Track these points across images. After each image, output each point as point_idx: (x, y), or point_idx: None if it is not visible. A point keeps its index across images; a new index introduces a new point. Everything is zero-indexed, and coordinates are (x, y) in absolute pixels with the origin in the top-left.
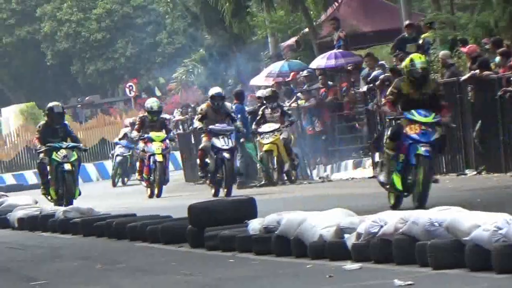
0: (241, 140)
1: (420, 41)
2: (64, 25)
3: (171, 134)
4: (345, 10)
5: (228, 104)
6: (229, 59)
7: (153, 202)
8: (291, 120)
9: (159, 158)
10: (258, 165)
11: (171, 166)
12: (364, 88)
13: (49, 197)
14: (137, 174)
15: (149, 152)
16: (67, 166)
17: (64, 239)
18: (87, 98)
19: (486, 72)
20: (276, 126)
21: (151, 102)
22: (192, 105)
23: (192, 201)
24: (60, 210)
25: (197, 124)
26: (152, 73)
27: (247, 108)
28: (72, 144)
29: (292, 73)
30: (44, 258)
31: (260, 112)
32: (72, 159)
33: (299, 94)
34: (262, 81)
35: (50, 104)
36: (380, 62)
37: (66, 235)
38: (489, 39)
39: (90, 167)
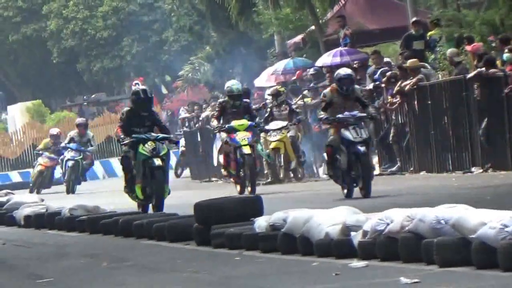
0: None
1: (427, 39)
2: (70, 23)
3: (257, 119)
4: (351, 8)
5: (357, 87)
6: (235, 56)
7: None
8: (298, 118)
9: (246, 150)
10: (265, 162)
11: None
12: (370, 85)
13: (133, 196)
14: (222, 169)
15: (233, 144)
16: (157, 161)
17: (70, 237)
18: (93, 95)
19: (492, 70)
20: (283, 123)
21: (231, 84)
22: (200, 103)
23: (199, 198)
24: (66, 208)
25: (321, 114)
26: (159, 71)
27: (253, 106)
28: (161, 135)
29: (298, 71)
30: (50, 256)
31: (268, 109)
32: (162, 152)
33: (305, 92)
34: (264, 81)
35: (136, 88)
36: (386, 60)
37: (72, 233)
38: (495, 36)
39: (96, 165)
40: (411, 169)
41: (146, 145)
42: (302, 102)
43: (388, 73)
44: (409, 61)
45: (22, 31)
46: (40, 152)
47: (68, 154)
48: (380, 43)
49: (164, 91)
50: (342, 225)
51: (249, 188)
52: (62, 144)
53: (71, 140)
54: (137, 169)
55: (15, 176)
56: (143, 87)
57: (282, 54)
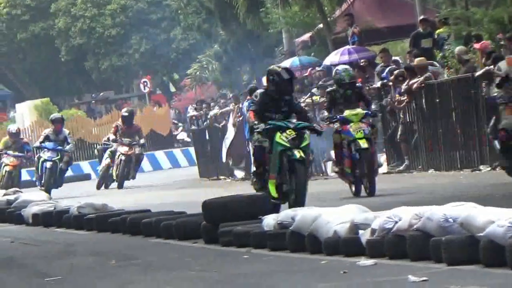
0: None
1: (435, 37)
2: (79, 21)
3: (373, 107)
4: (359, 6)
5: None
6: (243, 55)
7: (166, 199)
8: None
9: (362, 144)
10: None
11: (184, 162)
12: (378, 84)
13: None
14: (333, 167)
15: (347, 137)
16: (298, 153)
17: (78, 235)
18: (101, 94)
19: None
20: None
21: (342, 70)
22: (207, 101)
23: (207, 196)
24: (74, 206)
25: (495, 91)
26: (167, 69)
27: None
28: (303, 123)
29: (310, 69)
30: (58, 254)
31: None
32: (304, 143)
33: (314, 90)
34: None
35: (275, 67)
36: (395, 58)
37: (80, 231)
38: (504, 34)
39: None
40: (419, 167)
41: (284, 134)
42: (310, 100)
43: (396, 72)
44: (416, 59)
45: (30, 29)
46: (3, 151)
47: (44, 155)
48: (388, 41)
49: (172, 89)
50: (351, 223)
51: (368, 189)
52: (37, 144)
53: (46, 138)
54: (272, 161)
55: (23, 174)
56: (284, 65)
57: (290, 52)
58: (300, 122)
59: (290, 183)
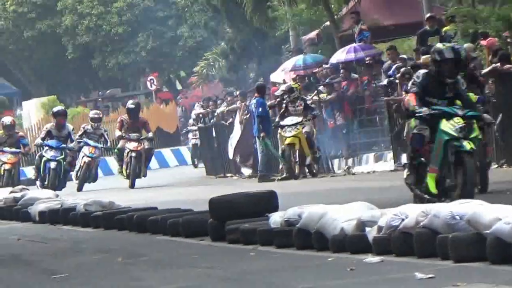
0: (261, 134)
1: (442, 34)
2: (85, 19)
3: (486, 91)
4: (366, 4)
5: None
6: (250, 52)
7: (172, 196)
8: (313, 114)
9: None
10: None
11: (189, 159)
12: (384, 81)
13: (419, 189)
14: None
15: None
16: (468, 145)
17: (85, 233)
18: (108, 91)
19: (507, 66)
20: (298, 119)
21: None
22: (213, 99)
23: (213, 194)
24: (81, 204)
25: None
26: (173, 67)
27: (268, 103)
28: (472, 111)
29: (318, 66)
30: (65, 252)
31: (283, 105)
32: (473, 134)
33: (320, 88)
34: (282, 75)
35: (439, 45)
36: (402, 56)
37: (87, 229)
38: (510, 32)
39: (111, 161)
40: None
41: (451, 122)
42: (317, 98)
43: (402, 69)
44: (423, 57)
45: (37, 27)
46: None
47: (47, 154)
48: (395, 38)
49: (179, 87)
50: (357, 220)
51: (478, 186)
52: (38, 140)
53: (48, 134)
54: (434, 152)
55: (29, 172)
56: (450, 44)
57: (297, 50)
58: (468, 110)
59: (455, 178)
